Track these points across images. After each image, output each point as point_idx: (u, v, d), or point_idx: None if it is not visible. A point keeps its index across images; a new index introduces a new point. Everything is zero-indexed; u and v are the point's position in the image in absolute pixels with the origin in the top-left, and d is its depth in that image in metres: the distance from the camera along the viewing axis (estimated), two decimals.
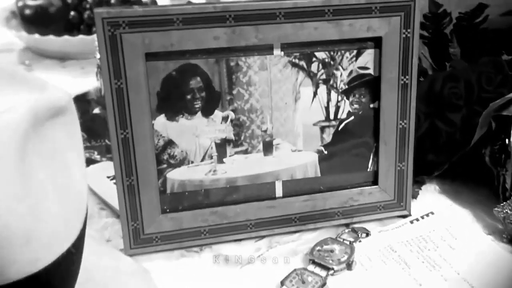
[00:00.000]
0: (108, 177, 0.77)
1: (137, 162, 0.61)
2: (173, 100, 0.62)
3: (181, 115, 0.62)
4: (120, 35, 0.58)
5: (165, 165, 0.63)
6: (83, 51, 1.11)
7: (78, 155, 0.47)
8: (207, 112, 0.63)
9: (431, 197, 0.75)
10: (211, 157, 0.64)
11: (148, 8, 0.58)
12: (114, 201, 0.67)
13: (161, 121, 0.62)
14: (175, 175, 0.64)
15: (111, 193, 0.71)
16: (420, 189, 0.75)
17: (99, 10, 0.57)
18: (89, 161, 0.81)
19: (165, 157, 0.63)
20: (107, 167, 0.79)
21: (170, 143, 0.63)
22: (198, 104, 0.62)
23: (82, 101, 0.97)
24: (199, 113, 0.63)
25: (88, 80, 1.04)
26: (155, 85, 0.61)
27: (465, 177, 0.76)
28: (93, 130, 0.88)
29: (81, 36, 1.10)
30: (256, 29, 0.60)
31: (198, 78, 0.62)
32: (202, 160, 0.64)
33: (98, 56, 0.89)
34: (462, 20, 0.81)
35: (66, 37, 1.10)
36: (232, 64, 0.62)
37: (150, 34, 0.58)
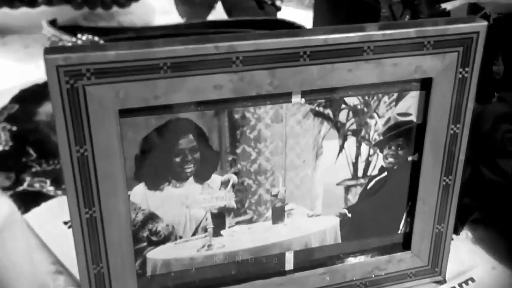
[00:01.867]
0: (66, 222, 0.61)
1: (107, 247, 0.46)
2: (156, 164, 0.45)
3: (167, 183, 0.46)
4: (84, 88, 0.41)
5: (144, 244, 0.48)
6: (27, 25, 0.91)
7: None
8: (202, 177, 0.47)
9: (464, 248, 0.62)
10: (205, 230, 0.49)
11: (124, 51, 0.40)
12: (74, 263, 0.51)
13: (139, 191, 0.46)
14: (157, 254, 0.49)
15: (70, 250, 0.55)
16: (452, 238, 0.62)
17: (52, 56, 0.39)
18: (39, 196, 0.64)
19: (145, 234, 0.48)
20: (64, 206, 0.63)
21: (151, 216, 0.47)
22: (189, 168, 0.46)
23: (28, 100, 0.78)
24: (191, 179, 0.47)
25: (33, 66, 0.85)
26: (133, 147, 0.44)
27: (500, 224, 0.64)
28: (44, 144, 0.71)
29: (23, 9, 0.91)
30: (272, 74, 0.44)
31: (191, 136, 0.45)
32: (194, 234, 0.49)
33: (46, 32, 0.71)
34: (499, 23, 0.66)
35: (5, 9, 0.90)
36: (236, 116, 0.46)
37: (126, 85, 0.41)
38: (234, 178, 0.48)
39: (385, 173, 0.52)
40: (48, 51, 0.40)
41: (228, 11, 0.92)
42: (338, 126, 0.49)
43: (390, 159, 0.51)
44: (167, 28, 0.89)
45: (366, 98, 0.48)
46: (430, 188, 0.53)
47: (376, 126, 0.50)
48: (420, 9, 0.61)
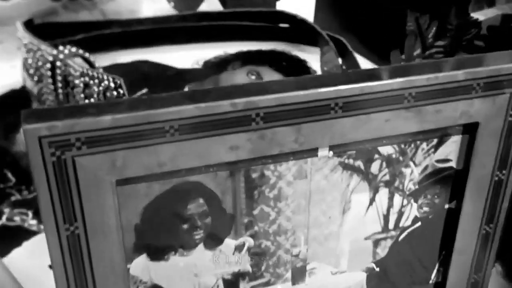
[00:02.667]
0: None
1: None
2: (160, 233, 0.38)
3: (173, 252, 0.40)
4: (74, 160, 0.33)
5: None
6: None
7: None
8: (213, 243, 0.40)
9: (494, 284, 0.56)
10: None
11: (122, 114, 0.33)
12: None
13: (141, 263, 0.39)
14: None
15: None
16: None
17: (32, 126, 0.32)
18: (19, 233, 0.57)
19: None
20: None
21: None
22: (199, 235, 0.39)
23: (2, 110, 0.70)
24: (200, 245, 0.40)
25: (8, 67, 0.76)
26: (132, 216, 0.37)
27: None
28: (25, 165, 0.63)
29: None
30: (297, 130, 0.37)
31: (201, 200, 0.38)
32: None
33: (21, 36, 0.62)
34: None
35: None
36: (254, 176, 0.39)
37: (124, 153, 0.34)
38: (250, 241, 0.41)
39: (419, 223, 0.45)
40: (27, 116, 0.32)
41: (222, 1, 0.84)
42: (369, 178, 0.42)
43: (425, 208, 0.45)
44: (156, 21, 0.80)
45: (403, 146, 0.41)
46: (468, 237, 0.46)
47: (412, 175, 0.43)
48: (449, 20, 0.54)
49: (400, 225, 0.45)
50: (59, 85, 0.56)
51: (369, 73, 0.37)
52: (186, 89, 0.73)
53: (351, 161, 0.41)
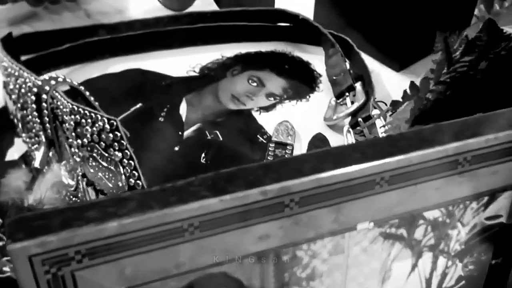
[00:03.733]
0: None
1: None
2: None
3: None
4: (73, 274, 0.26)
5: None
6: None
7: None
8: None
9: None
10: None
11: (132, 219, 0.26)
12: None
13: None
14: None
15: None
16: None
17: (20, 245, 0.25)
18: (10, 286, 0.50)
19: None
20: None
21: None
22: None
23: None
24: None
25: None
26: None
27: None
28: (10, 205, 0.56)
29: None
30: (337, 210, 0.30)
31: None
32: None
33: None
34: None
35: None
36: (285, 258, 0.32)
37: (135, 259, 0.27)
38: None
39: (463, 282, 0.39)
40: (13, 231, 0.25)
41: None
42: (412, 245, 0.36)
43: (471, 267, 0.39)
44: (146, 24, 0.72)
45: (450, 208, 0.35)
46: None
47: (459, 236, 0.37)
48: (479, 36, 0.47)
49: (444, 285, 0.39)
50: (46, 119, 0.48)
51: (417, 136, 0.31)
52: (183, 101, 0.65)
53: (393, 230, 0.34)
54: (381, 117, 0.57)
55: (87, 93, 0.50)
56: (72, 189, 0.49)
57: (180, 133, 0.62)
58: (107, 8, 0.79)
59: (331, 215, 0.30)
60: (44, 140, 0.49)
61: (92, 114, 0.44)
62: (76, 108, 0.45)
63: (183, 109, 0.64)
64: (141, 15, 0.77)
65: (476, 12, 0.78)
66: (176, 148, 0.60)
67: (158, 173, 0.58)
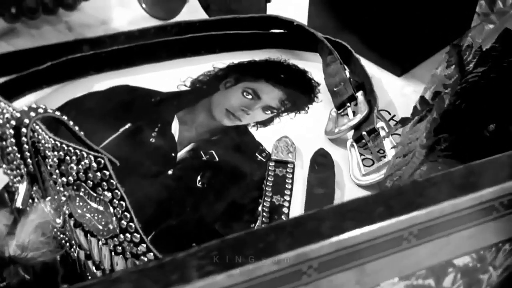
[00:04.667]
0: None
1: None
2: None
3: None
4: None
5: None
6: None
7: None
8: None
9: None
10: None
11: None
12: None
13: None
14: None
15: None
16: None
17: None
18: None
19: None
20: None
21: None
22: None
23: None
24: None
25: None
26: None
27: None
28: None
29: None
30: (361, 272, 0.26)
31: None
32: None
33: None
34: None
35: None
36: None
37: None
38: None
39: None
40: None
41: (204, 3, 0.71)
42: None
43: None
44: (131, 36, 0.68)
45: (482, 253, 0.31)
46: None
47: (490, 279, 0.33)
48: (495, 47, 0.44)
49: None
50: (27, 154, 0.44)
51: (448, 181, 0.27)
52: (175, 119, 0.61)
53: (420, 281, 0.31)
54: (390, 137, 0.53)
55: (71, 123, 0.45)
56: (59, 225, 0.45)
57: (173, 154, 0.58)
58: (90, 19, 0.74)
59: (354, 277, 0.26)
60: (26, 175, 0.45)
61: (77, 151, 0.40)
62: (59, 144, 0.41)
63: (175, 127, 0.60)
64: (126, 25, 0.72)
65: (477, 9, 0.74)
66: (170, 172, 0.56)
67: (151, 201, 0.54)
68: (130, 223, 0.39)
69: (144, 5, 0.75)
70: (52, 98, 0.62)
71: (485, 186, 0.27)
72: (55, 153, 0.41)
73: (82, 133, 0.46)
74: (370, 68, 0.67)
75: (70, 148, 0.40)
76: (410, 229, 0.26)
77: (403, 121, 0.47)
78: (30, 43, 0.66)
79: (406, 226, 0.26)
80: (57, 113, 0.45)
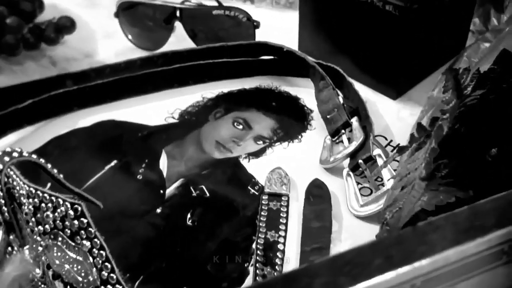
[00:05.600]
0: None
1: None
2: None
3: None
4: None
5: None
6: None
7: None
8: None
9: None
10: None
11: None
12: None
13: None
14: None
15: None
16: None
17: None
18: None
19: None
20: None
21: None
22: None
23: None
24: None
25: None
26: None
27: None
28: None
29: None
30: None
31: None
32: None
33: None
34: None
35: None
36: None
37: None
38: None
39: None
40: None
41: (191, 32, 0.69)
42: None
43: None
44: (117, 69, 0.65)
45: None
46: None
47: None
48: (494, 69, 0.41)
49: None
50: (2, 201, 0.42)
51: (451, 225, 0.24)
52: (163, 154, 0.59)
53: None
54: (388, 166, 0.50)
55: (49, 166, 0.43)
56: (39, 275, 0.42)
57: (161, 191, 0.55)
58: (74, 53, 0.72)
59: None
60: (1, 223, 0.42)
61: (53, 198, 0.37)
62: (33, 191, 0.38)
63: (163, 163, 0.58)
64: (112, 57, 0.70)
65: (472, 27, 0.72)
66: (158, 210, 0.54)
67: (139, 242, 0.51)
68: (112, 274, 0.36)
69: (130, 36, 0.73)
70: (35, 136, 0.60)
71: (493, 229, 0.24)
72: (30, 200, 0.39)
73: (61, 175, 0.44)
74: (365, 92, 0.65)
75: (46, 195, 0.38)
76: (413, 281, 0.23)
77: (401, 150, 0.44)
78: (12, 80, 0.64)
79: (408, 278, 0.23)
80: (34, 156, 0.43)
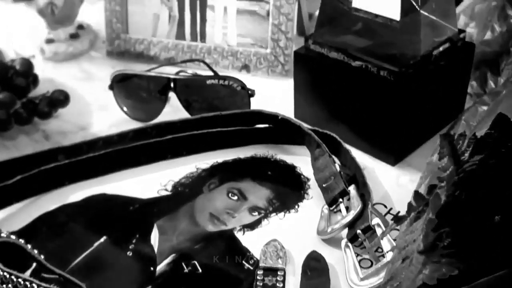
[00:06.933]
0: None
1: None
2: None
3: None
4: None
5: None
6: None
7: None
8: None
9: None
10: None
11: None
12: None
13: None
14: None
15: None
16: None
17: None
18: None
19: None
20: None
21: None
22: None
23: None
24: None
25: None
26: None
27: None
28: None
29: None
30: None
31: None
32: None
33: None
34: None
35: None
36: None
37: None
38: None
39: None
40: None
41: (186, 102, 0.68)
42: None
43: None
44: (110, 142, 0.64)
45: None
46: None
47: None
48: (491, 133, 0.39)
49: None
50: None
51: None
52: (154, 228, 0.56)
53: None
54: (388, 236, 0.48)
55: (29, 246, 0.40)
56: None
57: (151, 268, 0.52)
58: (68, 126, 0.71)
59: None
60: None
61: (27, 283, 0.35)
62: (7, 276, 0.36)
63: (154, 238, 0.55)
64: (106, 130, 0.69)
65: (469, 90, 0.71)
66: None
67: None
68: None
69: (124, 108, 0.71)
70: (23, 213, 0.58)
71: None
72: (4, 286, 0.36)
73: (42, 256, 0.41)
74: (362, 158, 0.63)
75: (20, 280, 0.35)
76: None
77: (398, 220, 0.42)
78: (3, 155, 0.62)
79: None
80: (13, 236, 0.41)
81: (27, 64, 0.68)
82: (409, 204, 0.41)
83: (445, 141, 0.38)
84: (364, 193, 0.56)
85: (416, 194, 0.41)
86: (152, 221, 0.57)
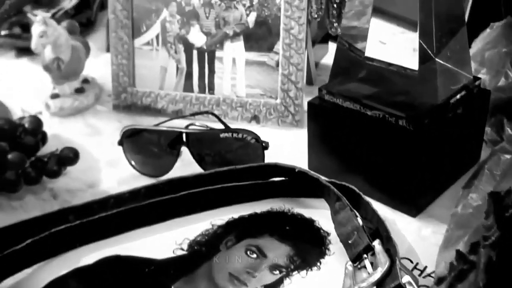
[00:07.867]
0: None
1: None
2: None
3: None
4: None
5: None
6: None
7: None
8: None
9: None
10: None
11: None
12: None
13: None
14: None
15: None
16: None
17: None
18: None
19: None
20: None
21: None
22: None
23: None
24: None
25: None
26: None
27: None
28: None
29: None
30: None
31: None
32: None
33: None
34: None
35: None
36: None
37: None
38: None
39: None
40: None
41: (198, 156, 0.65)
42: None
43: None
44: (121, 200, 0.61)
45: None
46: None
47: None
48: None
49: None
50: None
51: None
52: None
53: None
54: None
55: None
56: None
57: None
58: (77, 184, 0.67)
59: None
60: None
61: None
62: None
63: None
64: (116, 186, 0.66)
65: (485, 137, 0.69)
66: None
67: None
68: None
69: (134, 164, 0.69)
70: (32, 279, 0.54)
71: None
72: None
73: None
74: (382, 210, 0.60)
75: None
76: None
77: (440, 281, 0.39)
78: (11, 217, 0.59)
79: None
80: None
81: (36, 122, 0.65)
82: (451, 264, 0.38)
83: (490, 199, 0.36)
84: (390, 248, 0.53)
85: (459, 253, 0.38)
86: (170, 284, 0.53)
